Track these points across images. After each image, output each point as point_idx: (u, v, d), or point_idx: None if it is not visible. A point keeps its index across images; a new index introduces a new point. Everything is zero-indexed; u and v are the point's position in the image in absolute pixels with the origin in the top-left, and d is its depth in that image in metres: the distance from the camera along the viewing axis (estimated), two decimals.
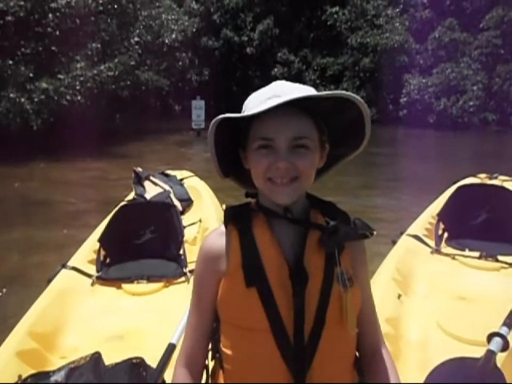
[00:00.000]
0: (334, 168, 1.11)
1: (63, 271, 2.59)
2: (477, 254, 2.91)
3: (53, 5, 10.74)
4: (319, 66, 23.62)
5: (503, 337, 1.78)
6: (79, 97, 10.93)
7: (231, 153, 1.04)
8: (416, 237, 3.09)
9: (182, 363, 1.07)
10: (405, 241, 3.06)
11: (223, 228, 1.03)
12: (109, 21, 12.22)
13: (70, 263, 2.68)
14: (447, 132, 18.72)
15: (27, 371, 1.84)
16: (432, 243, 3.12)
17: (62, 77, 10.80)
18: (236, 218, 1.01)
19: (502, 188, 3.44)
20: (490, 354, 1.71)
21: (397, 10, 23.00)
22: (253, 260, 0.96)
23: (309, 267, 0.95)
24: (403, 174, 9.50)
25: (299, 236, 0.98)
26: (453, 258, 2.94)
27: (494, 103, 21.85)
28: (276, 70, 23.18)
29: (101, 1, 11.84)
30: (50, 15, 10.75)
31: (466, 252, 2.97)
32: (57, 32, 10.83)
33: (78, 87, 10.94)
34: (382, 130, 15.67)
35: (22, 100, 9.89)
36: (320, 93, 0.92)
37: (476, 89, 21.20)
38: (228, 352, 0.98)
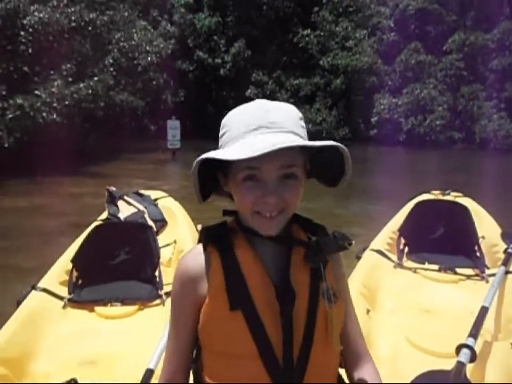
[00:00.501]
0: None
1: (33, 292, 2.51)
2: (436, 267, 3.04)
3: (25, 21, 10.58)
4: (292, 87, 24.02)
5: (470, 348, 1.85)
6: (54, 115, 10.72)
7: (209, 174, 0.97)
8: (379, 252, 3.16)
9: None
10: (369, 256, 3.13)
11: (200, 248, 0.97)
12: (82, 41, 12.18)
13: (41, 284, 2.60)
14: (415, 149, 19.28)
15: None
16: (394, 257, 3.22)
17: (38, 93, 10.61)
18: (215, 238, 0.96)
19: (456, 203, 3.61)
20: (461, 366, 1.76)
21: (365, 32, 23.76)
22: (237, 281, 0.91)
23: (294, 284, 0.92)
24: (373, 187, 9.73)
25: (282, 254, 0.95)
26: (414, 271, 3.04)
27: (460, 122, 22.67)
28: (249, 90, 23.44)
29: (73, 18, 11.73)
30: (22, 32, 10.62)
31: (426, 265, 3.09)
32: (30, 51, 10.70)
33: (54, 105, 10.73)
34: (354, 148, 15.93)
35: None
36: (314, 142, 0.88)
37: (442, 109, 22.02)
38: (213, 382, 0.92)
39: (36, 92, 10.62)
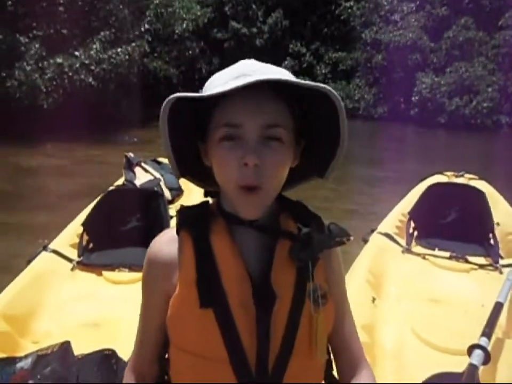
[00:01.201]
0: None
1: (44, 253, 2.55)
2: (447, 254, 2.89)
3: None
4: (331, 60, 23.40)
5: (484, 349, 1.70)
6: (90, 79, 10.85)
7: (189, 146, 0.86)
8: (387, 235, 3.02)
9: (132, 370, 0.96)
10: (376, 240, 2.99)
11: (174, 231, 0.86)
12: (121, 7, 12.15)
13: (51, 245, 2.64)
14: (459, 132, 18.50)
15: None
16: (402, 242, 3.07)
17: (77, 54, 10.73)
18: (190, 222, 0.84)
19: (472, 187, 3.39)
20: (473, 369, 1.63)
21: (412, 5, 22.70)
22: (209, 275, 0.80)
23: (276, 285, 0.79)
24: (404, 170, 9.44)
25: (266, 246, 0.83)
26: (424, 258, 2.90)
27: (509, 105, 21.51)
28: (286, 62, 23.01)
29: None
30: None
31: (436, 252, 2.95)
32: (68, 15, 10.78)
33: (92, 67, 10.84)
34: (392, 128, 15.51)
35: (35, 75, 9.80)
36: (299, 80, 0.75)
37: (491, 91, 20.88)
38: (177, 380, 0.84)
39: (75, 53, 10.70)
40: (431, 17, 23.16)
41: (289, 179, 0.84)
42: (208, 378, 0.79)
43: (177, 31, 14.59)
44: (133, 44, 11.94)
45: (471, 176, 4.01)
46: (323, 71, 23.01)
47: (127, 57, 11.59)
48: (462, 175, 4.02)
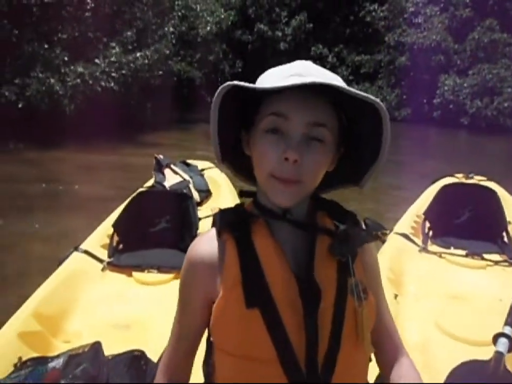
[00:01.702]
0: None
1: (75, 253, 2.58)
2: (463, 252, 2.96)
3: None
4: (354, 63, 23.27)
5: (508, 337, 1.74)
6: (112, 84, 11.00)
7: (233, 135, 0.88)
8: (404, 235, 3.09)
9: (163, 376, 0.94)
10: (393, 240, 3.03)
11: (214, 233, 0.86)
12: (145, 9, 12.29)
13: (83, 246, 2.67)
14: (481, 134, 18.16)
15: (28, 353, 1.83)
16: (419, 241, 3.14)
17: (98, 62, 10.89)
18: (231, 224, 0.84)
19: (484, 187, 3.49)
20: (500, 356, 1.66)
21: (437, 9, 22.41)
22: (255, 274, 0.80)
23: (320, 280, 0.80)
24: (428, 171, 9.28)
25: (305, 244, 0.83)
26: (440, 256, 2.97)
27: None
28: None
29: None
30: (88, 0, 10.88)
31: (452, 250, 3.02)
32: (94, 18, 10.96)
33: (113, 74, 11.00)
34: (415, 129, 15.32)
35: (52, 81, 9.91)
36: (351, 88, 0.76)
37: (511, 91, 20.49)
38: None
39: (96, 61, 10.87)
40: (455, 18, 22.83)
41: (324, 183, 0.86)
42: (258, 380, 0.78)
43: (201, 34, 14.70)
44: (152, 48, 12.04)
45: (480, 178, 4.13)
46: (345, 73, 22.91)
47: (146, 61, 11.69)
48: (472, 177, 4.14)
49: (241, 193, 0.94)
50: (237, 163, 0.94)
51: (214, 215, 0.89)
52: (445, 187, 3.49)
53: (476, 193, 3.36)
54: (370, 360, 0.90)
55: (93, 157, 8.66)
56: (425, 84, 21.87)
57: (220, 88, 0.78)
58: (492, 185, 3.73)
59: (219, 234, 0.85)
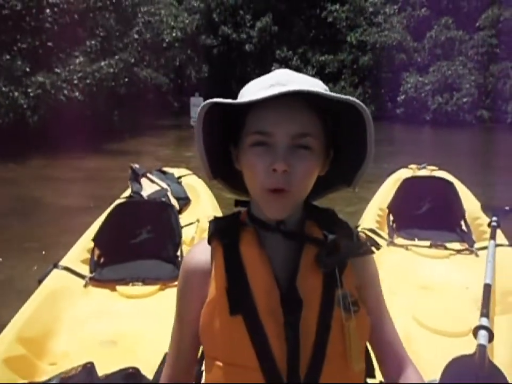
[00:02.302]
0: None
1: (55, 271, 2.48)
2: (427, 243, 3.04)
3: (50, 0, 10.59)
4: (318, 63, 23.59)
5: (487, 329, 1.81)
6: (77, 93, 10.76)
7: (221, 150, 0.89)
8: (371, 230, 3.05)
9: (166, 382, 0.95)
10: (362, 235, 3.02)
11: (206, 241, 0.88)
12: (107, 16, 12.07)
13: (62, 262, 2.57)
14: (442, 129, 18.80)
15: (14, 379, 1.76)
16: (385, 235, 3.18)
17: (59, 71, 10.62)
18: (221, 232, 0.86)
19: (442, 179, 3.64)
20: (483, 349, 1.71)
21: (395, 8, 23.02)
22: (239, 281, 0.81)
23: (303, 291, 0.79)
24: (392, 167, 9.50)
25: (293, 253, 0.83)
26: (406, 249, 3.03)
27: (490, 101, 21.97)
28: (273, 68, 23.13)
29: None
30: (47, 10, 10.60)
31: (417, 242, 3.09)
32: (55, 28, 10.69)
33: (75, 82, 10.75)
34: (381, 126, 15.61)
35: (16, 94, 9.66)
36: (329, 92, 0.77)
37: (470, 87, 21.33)
38: None
39: (56, 70, 10.61)
40: (413, 18, 23.50)
41: (317, 188, 0.86)
42: None
43: (166, 39, 14.57)
44: (116, 57, 11.84)
45: (433, 167, 4.32)
46: (310, 74, 23.19)
47: (111, 70, 11.50)
48: (424, 167, 4.31)
49: (236, 203, 0.94)
50: (229, 178, 0.94)
51: (209, 223, 0.89)
52: (406, 180, 3.57)
53: (435, 185, 3.48)
54: (369, 374, 0.90)
55: (62, 170, 8.45)
56: (388, 82, 22.41)
57: (200, 107, 0.79)
58: (443, 174, 3.94)
59: (209, 241, 0.86)
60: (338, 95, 0.75)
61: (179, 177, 3.99)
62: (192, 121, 14.47)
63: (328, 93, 0.76)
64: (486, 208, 3.39)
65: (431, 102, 21.61)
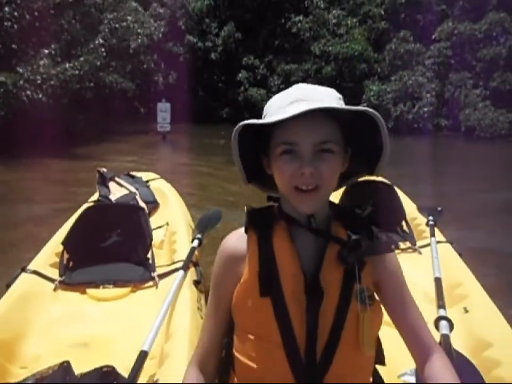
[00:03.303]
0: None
1: (23, 275, 2.43)
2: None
3: None
4: (283, 72, 23.90)
5: (447, 319, 1.91)
6: (40, 95, 10.47)
7: (253, 158, 1.01)
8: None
9: (195, 363, 1.06)
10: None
11: (243, 230, 1.00)
12: (72, 22, 11.88)
13: (31, 266, 2.52)
14: (403, 136, 19.45)
15: None
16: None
17: (21, 70, 10.32)
18: (256, 222, 0.98)
19: (383, 183, 3.54)
20: (447, 338, 1.80)
21: (355, 20, 23.74)
22: (270, 269, 0.93)
23: (325, 282, 0.92)
24: None
25: (319, 249, 0.95)
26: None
27: (447, 109, 22.93)
28: (240, 74, 23.27)
29: None
30: (6, 8, 10.30)
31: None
32: (16, 27, 10.39)
33: (39, 82, 10.48)
34: None
35: None
36: (346, 107, 0.90)
37: (429, 96, 22.19)
38: (240, 357, 0.96)
39: (18, 69, 10.31)
40: (373, 30, 24.28)
41: (340, 180, 0.97)
42: (264, 357, 0.92)
43: (132, 46, 14.44)
44: (81, 59, 11.64)
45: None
46: (276, 83, 23.47)
47: (76, 72, 11.29)
48: None
49: (268, 198, 1.05)
50: (262, 181, 1.06)
51: (246, 213, 1.00)
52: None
53: (378, 189, 3.38)
54: (379, 361, 1.02)
55: (26, 173, 8.23)
56: (350, 91, 22.97)
57: (235, 128, 0.92)
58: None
59: (246, 231, 0.99)
60: (352, 107, 0.88)
61: (147, 181, 4.00)
62: (159, 127, 14.35)
63: (343, 107, 0.89)
64: (421, 209, 3.53)
65: (393, 110, 22.32)
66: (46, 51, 11.09)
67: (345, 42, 22.89)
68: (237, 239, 1.00)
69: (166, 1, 22.37)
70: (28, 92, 10.31)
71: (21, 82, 10.18)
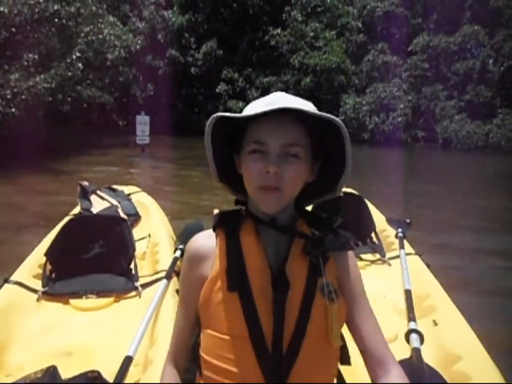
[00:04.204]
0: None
1: (6, 286, 2.46)
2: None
3: None
4: (262, 84, 24.15)
5: (417, 332, 1.92)
6: (13, 109, 10.36)
7: (226, 157, 1.06)
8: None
9: (169, 361, 1.11)
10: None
11: (211, 231, 1.04)
12: (49, 34, 11.82)
13: (14, 277, 2.54)
14: (379, 148, 19.75)
15: None
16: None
17: None
18: (224, 222, 1.02)
19: (351, 194, 3.57)
20: (418, 351, 1.79)
21: (333, 33, 24.15)
22: (237, 264, 0.96)
23: (290, 275, 0.95)
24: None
25: (284, 244, 0.99)
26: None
27: (423, 121, 23.43)
28: (220, 87, 23.40)
29: (37, 10, 11.34)
30: None
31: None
32: None
33: (8, 97, 10.36)
34: None
35: None
36: (315, 111, 0.93)
37: (404, 108, 22.68)
38: (206, 357, 0.97)
39: None
40: (351, 43, 24.76)
41: (308, 195, 1.04)
42: (231, 354, 0.93)
43: (109, 58, 14.42)
44: (52, 71, 11.54)
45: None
46: (255, 95, 23.69)
47: (46, 85, 11.17)
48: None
49: (236, 202, 1.11)
50: (232, 182, 1.10)
51: (214, 215, 1.05)
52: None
53: (347, 201, 3.27)
54: (344, 361, 1.04)
55: (5, 187, 8.10)
56: (328, 102, 23.33)
57: (209, 120, 0.96)
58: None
59: (214, 229, 1.03)
60: (318, 113, 0.92)
61: (129, 194, 4.04)
62: (138, 140, 14.32)
63: (309, 109, 0.92)
64: (390, 221, 3.54)
65: (369, 122, 22.72)
66: (19, 63, 10.97)
67: (323, 54, 23.28)
68: (204, 239, 1.05)
69: (145, 17, 22.46)
70: (0, 108, 10.15)
71: None
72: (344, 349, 1.05)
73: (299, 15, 24.27)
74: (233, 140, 1.04)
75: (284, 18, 24.35)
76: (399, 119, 22.44)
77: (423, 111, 23.53)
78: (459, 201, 8.61)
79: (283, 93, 1.02)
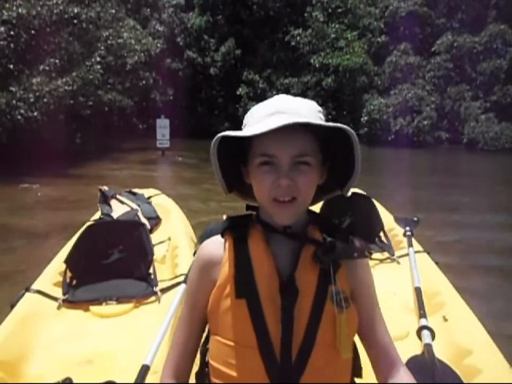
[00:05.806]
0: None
1: (27, 294, 2.45)
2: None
3: (4, 16, 10.38)
4: (283, 86, 24.10)
5: (429, 328, 1.94)
6: (35, 113, 10.51)
7: (232, 167, 1.02)
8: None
9: (169, 373, 1.04)
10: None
11: (220, 237, 1.01)
12: (69, 39, 12.01)
13: (34, 286, 2.55)
14: (404, 149, 19.49)
15: None
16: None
17: (13, 89, 10.37)
18: (233, 227, 0.99)
19: (361, 195, 3.59)
20: (430, 348, 1.81)
21: (355, 34, 23.93)
22: (245, 271, 0.93)
23: (300, 282, 0.92)
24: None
25: (295, 251, 0.96)
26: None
27: (447, 122, 22.97)
28: (240, 89, 23.45)
29: (56, 12, 11.49)
30: (2, 28, 10.41)
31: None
32: (12, 46, 10.47)
33: (32, 100, 10.51)
34: None
35: None
36: (324, 123, 0.91)
37: (429, 110, 22.26)
38: (215, 364, 0.95)
39: (11, 89, 10.37)
40: (373, 44, 24.49)
41: (316, 194, 0.99)
42: (240, 362, 0.91)
43: (129, 62, 14.57)
44: (73, 74, 11.68)
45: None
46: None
47: (69, 88, 11.31)
48: None
49: (247, 207, 1.07)
50: (242, 190, 1.08)
51: (224, 220, 1.02)
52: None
53: (356, 200, 3.37)
54: (356, 373, 1.00)
55: (28, 194, 8.22)
56: (350, 103, 23.11)
57: (214, 140, 0.93)
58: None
59: (222, 235, 1.00)
60: (330, 124, 0.89)
61: (149, 198, 4.04)
62: (158, 144, 14.44)
63: (320, 122, 0.90)
64: (398, 220, 3.55)
65: (393, 124, 22.38)
66: (41, 68, 11.13)
67: (345, 55, 23.08)
68: (213, 245, 1.01)
69: (164, 19, 22.66)
70: (22, 111, 10.32)
71: (14, 101, 10.20)
72: (356, 359, 1.01)
73: (321, 15, 24.12)
74: (239, 149, 1.00)
75: (305, 18, 24.24)
76: (425, 122, 22.05)
77: (447, 112, 23.08)
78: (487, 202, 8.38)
79: (285, 97, 0.98)
